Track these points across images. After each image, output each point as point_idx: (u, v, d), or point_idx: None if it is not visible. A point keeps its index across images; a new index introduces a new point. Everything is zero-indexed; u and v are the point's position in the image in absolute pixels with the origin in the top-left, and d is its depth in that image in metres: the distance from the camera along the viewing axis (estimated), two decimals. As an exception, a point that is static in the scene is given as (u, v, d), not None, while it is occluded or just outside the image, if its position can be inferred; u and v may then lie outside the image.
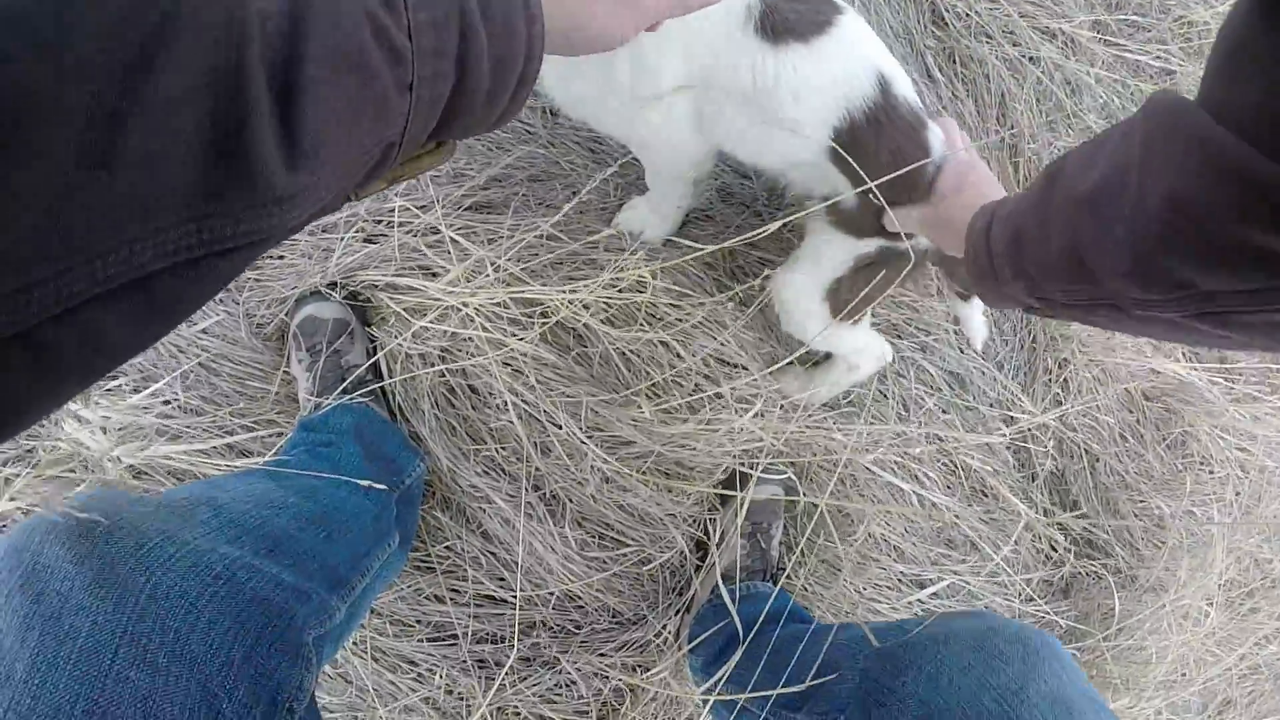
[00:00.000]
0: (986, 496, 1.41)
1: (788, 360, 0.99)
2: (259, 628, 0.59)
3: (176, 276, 0.31)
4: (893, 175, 0.78)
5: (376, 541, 0.91)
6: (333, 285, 1.15)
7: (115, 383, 1.26)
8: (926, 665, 0.68)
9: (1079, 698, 0.63)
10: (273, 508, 0.76)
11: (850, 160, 0.79)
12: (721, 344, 1.09)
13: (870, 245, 0.93)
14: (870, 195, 0.77)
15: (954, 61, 1.54)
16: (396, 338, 1.06)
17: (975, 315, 1.13)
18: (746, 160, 0.94)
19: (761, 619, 0.95)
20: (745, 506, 1.09)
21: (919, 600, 1.29)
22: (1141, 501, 1.76)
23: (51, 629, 0.51)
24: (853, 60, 0.80)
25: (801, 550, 1.17)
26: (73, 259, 0.28)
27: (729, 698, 0.89)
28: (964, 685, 0.64)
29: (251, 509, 0.73)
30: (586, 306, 0.94)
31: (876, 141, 0.82)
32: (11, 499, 1.15)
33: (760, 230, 0.79)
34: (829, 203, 0.88)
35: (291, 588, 0.65)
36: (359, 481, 0.88)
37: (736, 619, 0.97)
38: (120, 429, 1.26)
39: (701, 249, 0.86)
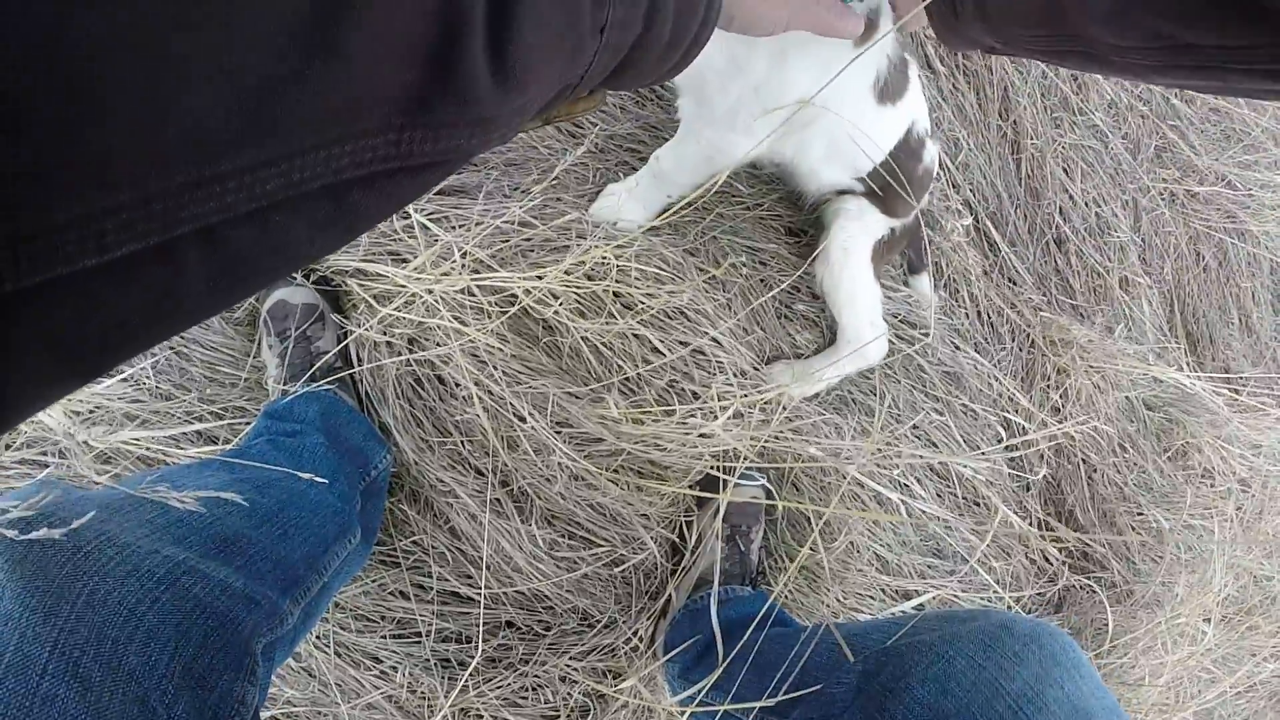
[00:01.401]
0: (979, 506, 1.36)
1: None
2: (202, 637, 0.55)
3: (366, 188, 0.30)
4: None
5: (337, 538, 0.87)
6: (305, 274, 1.12)
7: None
8: (934, 667, 0.62)
9: (1099, 710, 0.58)
10: (226, 504, 0.72)
11: (896, 178, 1.06)
12: (703, 334, 1.04)
13: (893, 223, 1.14)
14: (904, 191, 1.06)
15: (955, 52, 1.49)
16: (364, 325, 1.02)
17: (924, 284, 1.31)
18: (800, 168, 1.09)
19: (752, 626, 0.89)
20: (723, 508, 1.05)
21: (904, 612, 1.25)
22: (1140, 514, 1.71)
23: None
24: (909, 116, 1.06)
25: (783, 556, 1.13)
26: (271, 153, 0.25)
27: (710, 709, 0.85)
28: (975, 690, 0.59)
29: (202, 506, 0.69)
30: (556, 296, 0.90)
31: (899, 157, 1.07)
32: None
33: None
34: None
35: (239, 593, 0.61)
36: (300, 475, 0.83)
37: (716, 627, 0.92)
38: (89, 413, 1.23)
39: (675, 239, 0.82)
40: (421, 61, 0.29)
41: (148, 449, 1.19)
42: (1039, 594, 1.55)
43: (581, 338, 0.96)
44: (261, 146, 0.25)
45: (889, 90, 0.98)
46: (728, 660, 0.84)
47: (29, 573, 0.50)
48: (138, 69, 0.21)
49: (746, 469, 1.11)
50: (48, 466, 1.20)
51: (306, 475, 0.83)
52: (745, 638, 0.88)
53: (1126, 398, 1.66)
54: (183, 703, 0.52)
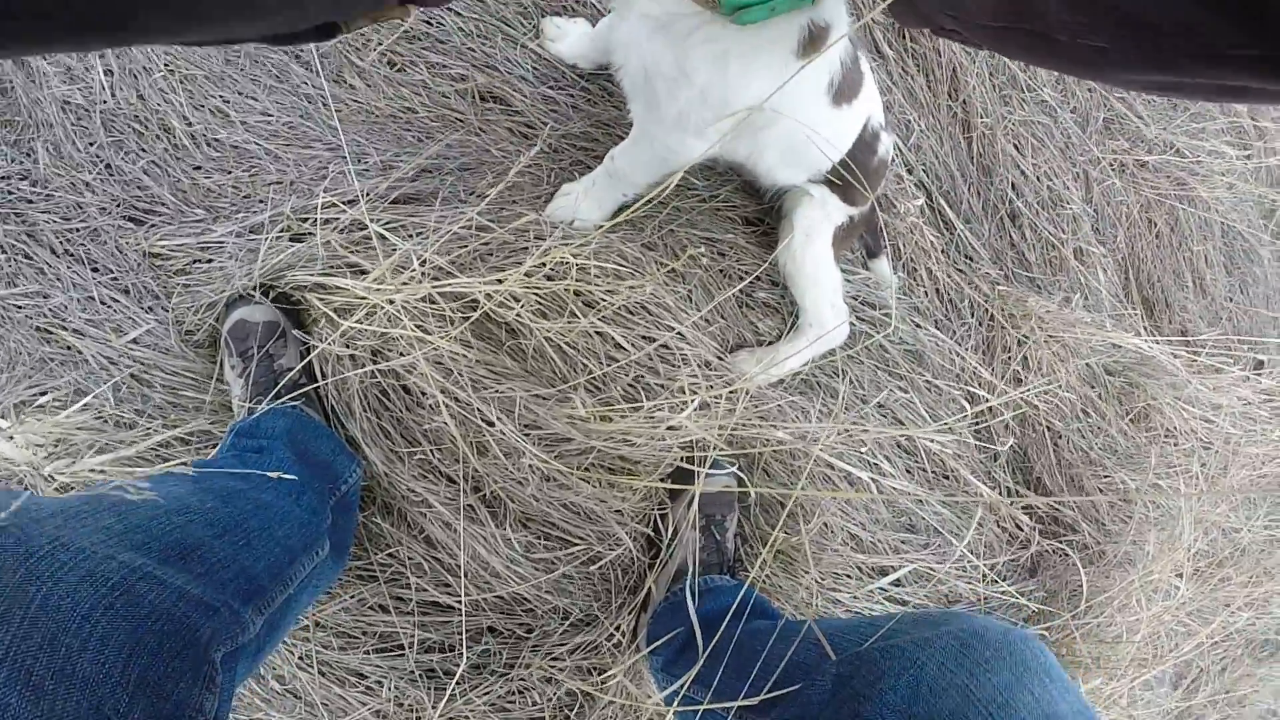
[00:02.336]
0: (948, 479, 1.39)
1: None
2: (157, 644, 0.55)
3: None
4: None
5: (304, 549, 0.86)
6: (265, 291, 1.11)
7: (45, 398, 1.22)
8: (906, 672, 0.63)
9: (1069, 714, 0.59)
10: (187, 513, 0.71)
11: (852, 172, 1.07)
12: (666, 328, 1.05)
13: (852, 211, 1.16)
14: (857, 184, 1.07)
15: (904, 37, 1.51)
16: (326, 340, 1.01)
17: (883, 267, 1.33)
18: (757, 169, 1.10)
19: (729, 615, 0.90)
20: (696, 499, 1.06)
21: (881, 588, 1.27)
22: (1106, 477, 1.75)
23: None
24: (864, 113, 1.07)
25: (758, 541, 1.14)
26: None
27: (688, 709, 0.85)
28: (945, 696, 0.60)
29: (162, 514, 0.68)
30: (516, 298, 0.91)
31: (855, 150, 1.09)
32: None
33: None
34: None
35: (197, 600, 0.61)
36: (268, 474, 0.83)
37: (696, 622, 0.93)
38: (53, 446, 1.22)
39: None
40: None
41: (112, 477, 1.18)
42: (1012, 560, 1.58)
43: (545, 339, 0.97)
44: None
45: (844, 91, 1.00)
46: (706, 653, 0.85)
47: None
48: None
49: (716, 458, 1.12)
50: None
51: (274, 474, 0.83)
52: (723, 630, 0.89)
53: (1087, 364, 1.70)
54: (138, 709, 0.51)
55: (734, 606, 0.92)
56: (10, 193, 1.24)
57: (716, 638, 0.88)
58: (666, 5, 0.81)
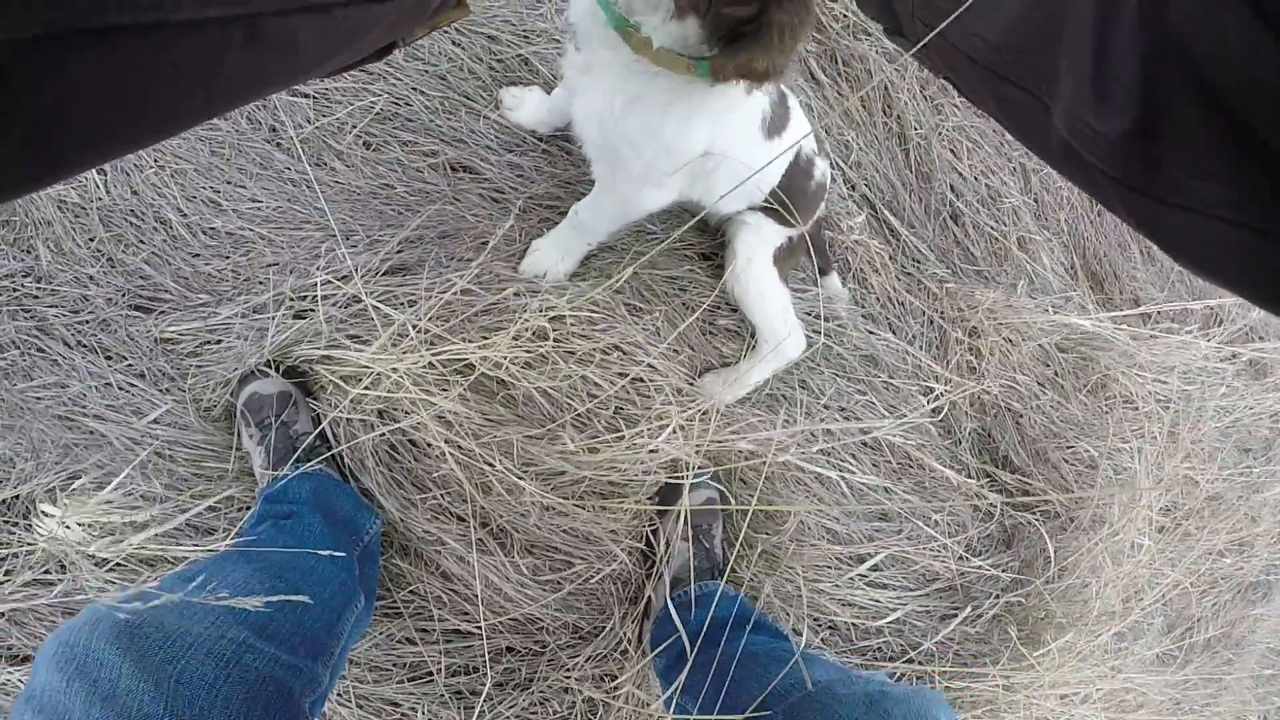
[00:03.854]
0: (914, 467, 1.51)
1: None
2: (266, 701, 0.73)
3: (348, 10, 0.39)
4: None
5: (345, 605, 0.99)
6: (273, 365, 1.22)
7: (78, 482, 1.31)
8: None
9: None
10: (253, 594, 0.86)
11: (785, 200, 1.19)
12: (638, 363, 1.17)
13: (789, 232, 1.27)
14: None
15: (835, 61, 1.63)
16: (336, 407, 1.13)
17: (834, 282, 1.45)
18: (707, 205, 1.19)
19: (728, 624, 1.05)
20: (686, 514, 1.18)
21: (861, 574, 1.38)
22: (1070, 447, 1.86)
23: (110, 705, 0.64)
24: (796, 138, 1.16)
25: (740, 544, 1.26)
26: None
27: (680, 718, 1.00)
28: None
29: (237, 597, 0.83)
30: (499, 364, 1.02)
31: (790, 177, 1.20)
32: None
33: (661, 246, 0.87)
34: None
35: (287, 664, 0.79)
36: (321, 552, 0.96)
37: (684, 633, 1.06)
38: (89, 526, 1.31)
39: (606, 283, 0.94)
40: None
41: (152, 551, 1.28)
42: (986, 536, 1.70)
43: (535, 388, 1.08)
44: None
45: (775, 125, 1.11)
46: (696, 657, 0.99)
47: (135, 656, 0.67)
48: None
49: (698, 473, 1.24)
50: (54, 585, 1.29)
51: (325, 553, 0.96)
52: (722, 645, 1.02)
53: (1039, 345, 1.82)
54: None
55: (742, 618, 1.06)
56: (15, 289, 1.31)
57: (712, 642, 1.01)
58: (640, 82, 0.90)
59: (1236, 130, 0.35)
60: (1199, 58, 0.35)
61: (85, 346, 1.32)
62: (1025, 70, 0.48)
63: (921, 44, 0.59)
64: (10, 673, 1.23)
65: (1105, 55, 0.40)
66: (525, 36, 1.29)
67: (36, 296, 1.32)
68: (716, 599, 1.13)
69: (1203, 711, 2.08)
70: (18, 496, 1.28)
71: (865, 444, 1.39)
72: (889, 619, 1.44)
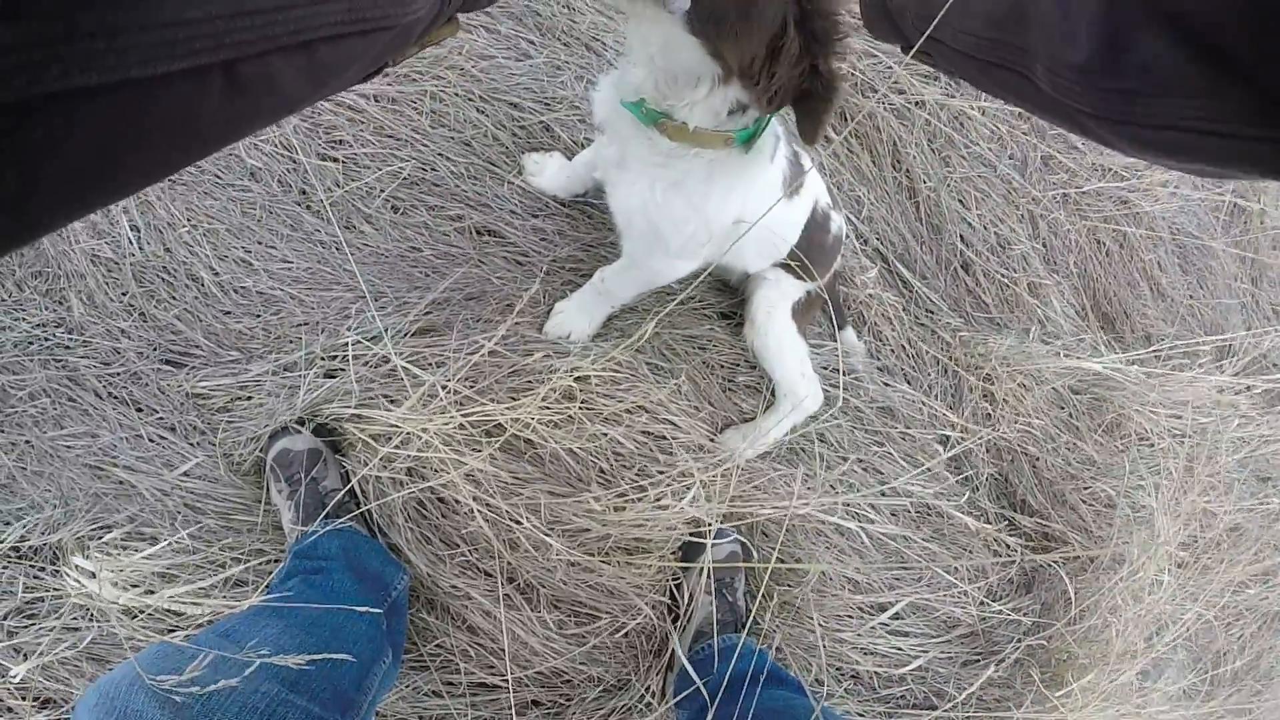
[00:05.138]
0: (933, 515, 1.52)
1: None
2: None
3: (330, 46, 0.39)
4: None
5: (374, 659, 1.01)
6: (301, 422, 1.25)
7: (109, 535, 1.33)
8: None
9: None
10: (287, 650, 0.88)
11: (805, 254, 1.23)
12: (662, 421, 1.19)
13: (807, 286, 1.30)
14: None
15: (845, 119, 1.68)
16: (366, 465, 1.15)
17: (850, 336, 1.47)
18: (734, 267, 1.25)
19: (749, 678, 1.06)
20: (708, 569, 1.20)
21: (883, 623, 1.39)
22: (1087, 488, 1.87)
23: None
24: (811, 198, 1.21)
25: (762, 597, 1.27)
26: (277, 1, 0.33)
27: None
28: None
29: (270, 652, 0.85)
30: (528, 425, 1.06)
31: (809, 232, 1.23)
32: (24, 658, 1.23)
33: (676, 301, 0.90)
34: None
35: (319, 718, 0.82)
36: (356, 609, 0.98)
37: (704, 690, 1.08)
38: (119, 573, 1.33)
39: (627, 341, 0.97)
40: None
41: (183, 603, 1.30)
42: (1007, 580, 1.70)
43: (562, 448, 1.11)
44: None
45: (793, 184, 1.14)
46: (718, 710, 1.01)
47: (173, 710, 0.71)
48: None
49: (720, 528, 1.26)
50: (80, 630, 1.31)
51: (361, 609, 0.98)
52: (747, 696, 1.04)
53: (1054, 388, 1.83)
54: None
55: (762, 671, 1.08)
56: (47, 339, 1.35)
57: (733, 695, 1.02)
58: (680, 166, 0.93)
59: (1206, 52, 0.39)
60: None
61: (116, 398, 1.35)
62: (1007, 52, 0.56)
63: (917, 47, 0.68)
64: (35, 717, 1.25)
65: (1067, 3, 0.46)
66: (546, 103, 1.34)
67: (68, 347, 1.35)
68: (737, 653, 1.15)
69: (1233, 747, 2.05)
70: (47, 544, 1.31)
71: (884, 493, 1.41)
72: (911, 666, 1.45)
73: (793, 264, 1.23)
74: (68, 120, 0.27)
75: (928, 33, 0.65)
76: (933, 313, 1.64)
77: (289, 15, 0.34)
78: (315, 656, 0.86)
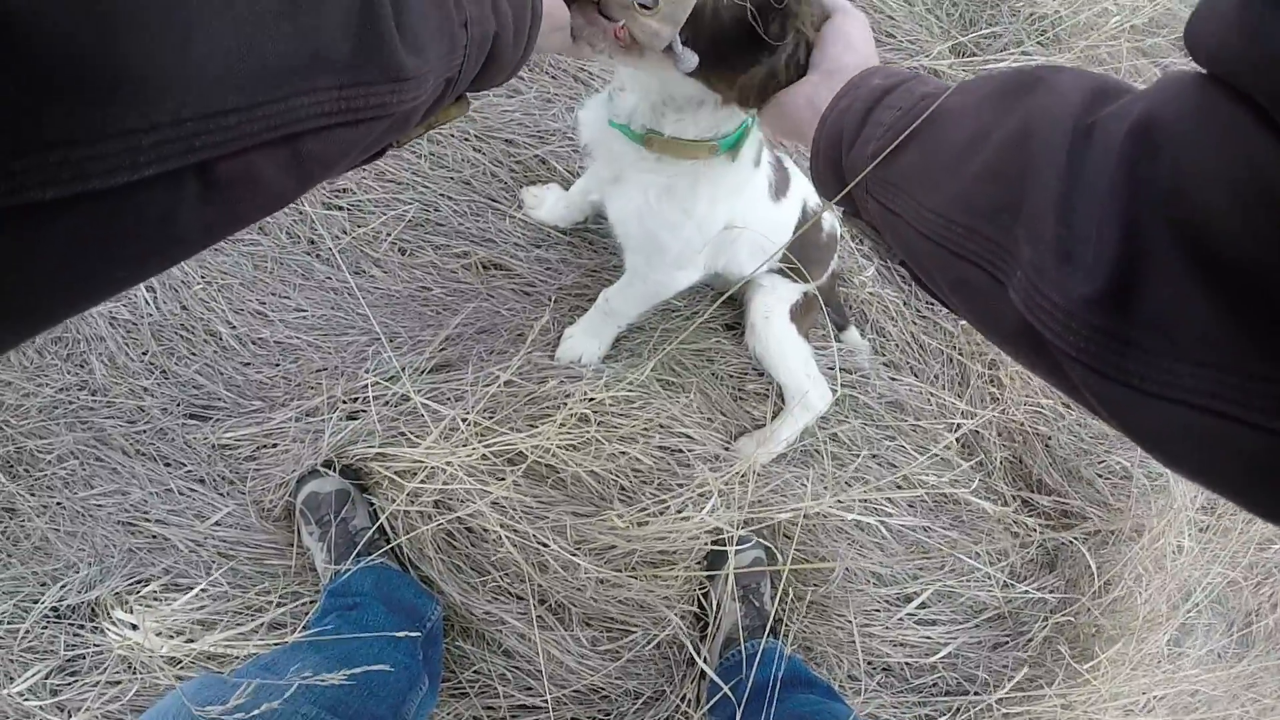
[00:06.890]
0: (950, 502, 1.55)
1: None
2: None
3: (316, 137, 0.36)
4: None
5: (410, 688, 1.04)
6: (327, 464, 1.28)
7: (147, 587, 1.37)
8: None
9: None
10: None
11: (799, 255, 1.24)
12: (676, 435, 1.23)
13: (804, 287, 1.32)
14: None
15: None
16: (394, 501, 1.19)
17: (854, 336, 1.50)
18: (731, 273, 1.25)
19: (779, 683, 1.09)
20: (731, 577, 1.23)
21: (909, 614, 1.42)
22: (1101, 461, 1.88)
23: None
24: (798, 199, 1.23)
25: (789, 599, 1.30)
26: (253, 96, 0.31)
27: None
28: None
29: (319, 675, 0.89)
30: (548, 450, 1.09)
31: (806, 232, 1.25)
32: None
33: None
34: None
35: None
36: (394, 634, 1.02)
37: (731, 696, 1.11)
38: (161, 622, 1.37)
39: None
40: (353, 29, 0.36)
41: (226, 647, 1.34)
42: (1029, 560, 1.72)
43: (583, 469, 1.15)
44: (255, 88, 0.31)
45: (779, 187, 1.18)
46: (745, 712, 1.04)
47: None
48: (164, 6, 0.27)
49: (742, 535, 1.29)
50: (123, 683, 1.34)
51: (399, 634, 1.01)
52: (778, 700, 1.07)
53: (1060, 367, 1.85)
54: None
55: (791, 676, 1.11)
56: (71, 403, 1.39)
57: (764, 699, 1.05)
58: (668, 172, 0.97)
59: (1250, 307, 0.28)
60: (1200, 216, 0.29)
61: (144, 455, 1.39)
62: (979, 244, 0.43)
63: (844, 193, 0.57)
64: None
65: (1071, 208, 0.36)
66: (540, 137, 1.38)
67: (92, 408, 1.39)
68: (760, 657, 1.17)
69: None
70: (85, 601, 1.34)
71: (899, 485, 1.44)
72: (941, 654, 1.47)
73: (786, 268, 1.26)
74: (33, 234, 0.26)
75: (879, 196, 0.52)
76: (933, 304, 1.66)
77: (267, 111, 0.32)
78: (354, 670, 0.88)
